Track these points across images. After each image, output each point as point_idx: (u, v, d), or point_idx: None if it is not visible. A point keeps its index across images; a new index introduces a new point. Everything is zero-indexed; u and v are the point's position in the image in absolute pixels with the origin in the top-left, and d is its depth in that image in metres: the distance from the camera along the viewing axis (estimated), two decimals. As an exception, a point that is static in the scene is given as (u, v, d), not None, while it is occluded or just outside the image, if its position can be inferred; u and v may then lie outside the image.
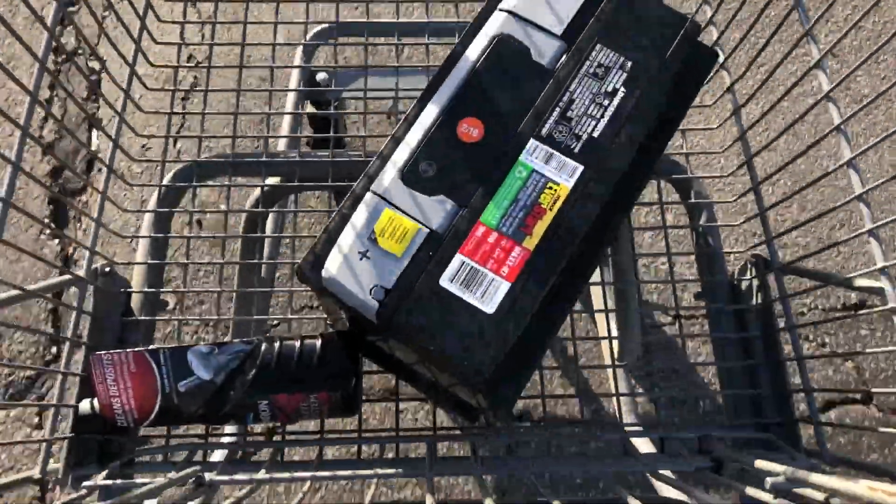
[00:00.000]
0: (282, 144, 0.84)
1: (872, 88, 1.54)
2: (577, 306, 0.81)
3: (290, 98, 0.84)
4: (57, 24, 0.58)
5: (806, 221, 0.59)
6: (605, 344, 0.72)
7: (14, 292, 0.55)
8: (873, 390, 0.54)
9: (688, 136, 0.67)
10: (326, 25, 0.90)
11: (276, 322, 0.99)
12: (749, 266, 0.69)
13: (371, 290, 0.51)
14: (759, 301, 0.67)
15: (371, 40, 0.79)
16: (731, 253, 0.70)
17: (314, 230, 1.33)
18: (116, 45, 0.68)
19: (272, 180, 0.75)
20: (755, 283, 0.68)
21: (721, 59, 0.70)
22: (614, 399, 0.98)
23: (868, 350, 0.74)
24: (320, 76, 0.94)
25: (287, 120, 0.84)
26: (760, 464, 0.54)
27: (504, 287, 0.51)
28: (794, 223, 1.45)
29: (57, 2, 0.57)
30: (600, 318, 0.71)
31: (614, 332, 0.81)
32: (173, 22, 0.78)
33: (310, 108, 0.98)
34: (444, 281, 0.51)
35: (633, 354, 0.81)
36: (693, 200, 0.72)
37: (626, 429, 0.67)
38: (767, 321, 0.67)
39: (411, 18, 0.85)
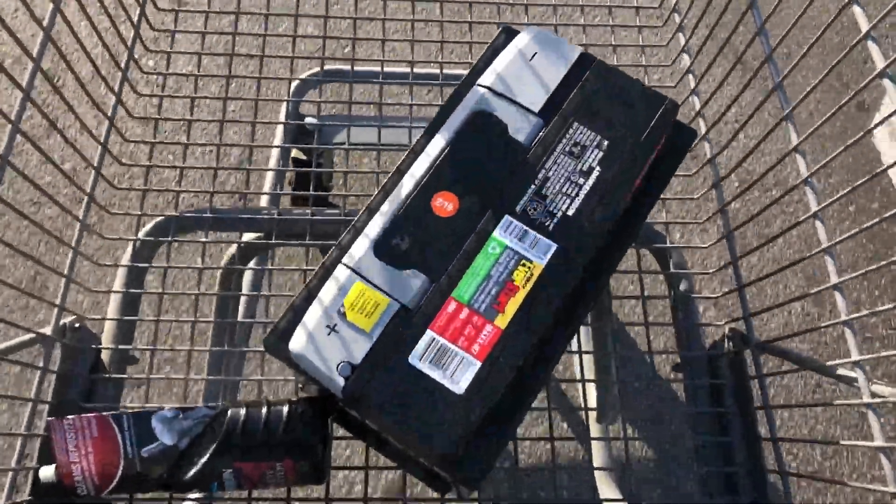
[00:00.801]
0: (263, 201, 0.84)
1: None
2: (555, 373, 0.80)
3: (273, 155, 0.83)
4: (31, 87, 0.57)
5: (784, 302, 0.59)
6: (583, 414, 0.72)
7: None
8: (850, 483, 0.53)
9: (668, 204, 0.67)
10: (312, 72, 0.90)
11: (245, 383, 0.98)
12: (727, 340, 0.68)
13: (338, 366, 0.50)
14: (735, 377, 0.67)
15: (355, 90, 0.79)
16: (708, 325, 0.69)
17: (292, 289, 1.32)
18: (93, 98, 0.68)
19: (249, 236, 0.74)
20: (731, 358, 0.67)
21: (703, 131, 0.70)
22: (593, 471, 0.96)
23: (843, 442, 0.74)
24: (309, 119, 0.94)
25: (269, 176, 0.84)
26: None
27: (474, 366, 0.50)
28: (774, 299, 1.47)
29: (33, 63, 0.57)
30: (580, 387, 0.70)
31: (591, 402, 0.80)
32: (155, 73, 0.78)
33: (294, 154, 0.98)
34: (413, 358, 0.51)
35: (612, 421, 0.80)
36: (672, 270, 0.71)
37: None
38: (743, 398, 0.66)
39: (396, 68, 0.85)
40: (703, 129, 0.70)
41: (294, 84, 0.89)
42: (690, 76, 0.73)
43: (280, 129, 0.85)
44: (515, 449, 0.65)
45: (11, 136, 0.56)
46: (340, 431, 0.65)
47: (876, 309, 0.49)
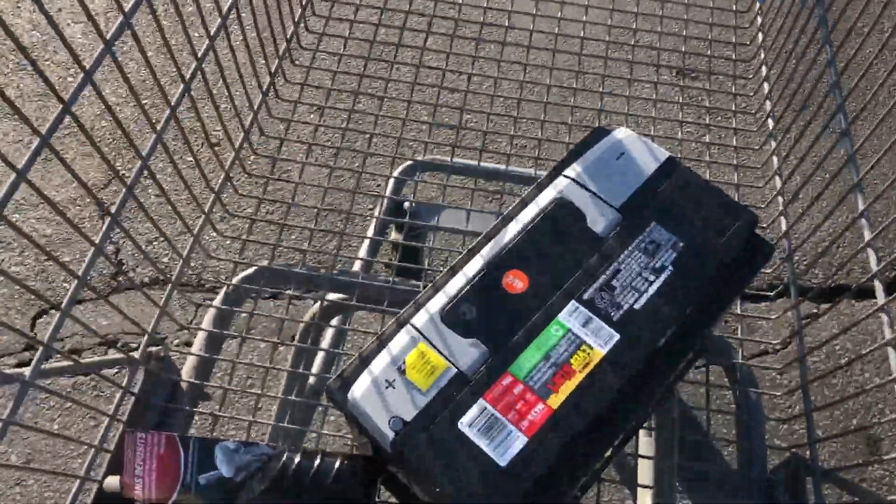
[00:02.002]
0: (356, 267, 0.88)
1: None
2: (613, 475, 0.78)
3: (371, 227, 0.88)
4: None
5: (847, 432, 0.57)
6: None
7: (66, 363, 0.58)
8: None
9: (745, 321, 0.67)
10: (413, 160, 0.96)
11: (312, 434, 1.00)
12: (790, 465, 0.66)
13: (390, 421, 0.52)
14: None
15: (450, 180, 0.84)
16: (771, 448, 0.68)
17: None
18: (215, 152, 0.74)
19: (332, 297, 0.78)
20: (791, 484, 0.65)
21: (786, 252, 0.70)
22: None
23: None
24: (406, 205, 0.99)
25: (365, 245, 0.88)
26: None
27: (521, 441, 0.51)
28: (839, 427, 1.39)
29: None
30: (640, 493, 0.69)
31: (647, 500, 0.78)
32: (276, 138, 0.85)
33: (393, 236, 1.03)
34: (462, 424, 0.52)
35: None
36: (740, 387, 0.70)
37: None
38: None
39: (492, 164, 0.89)
40: (787, 249, 0.70)
41: (399, 167, 0.95)
42: (780, 198, 0.74)
43: (379, 204, 0.90)
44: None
45: (153, 145, 0.63)
46: (387, 495, 0.66)
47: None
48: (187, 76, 0.66)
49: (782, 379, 1.37)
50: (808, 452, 0.63)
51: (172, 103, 0.64)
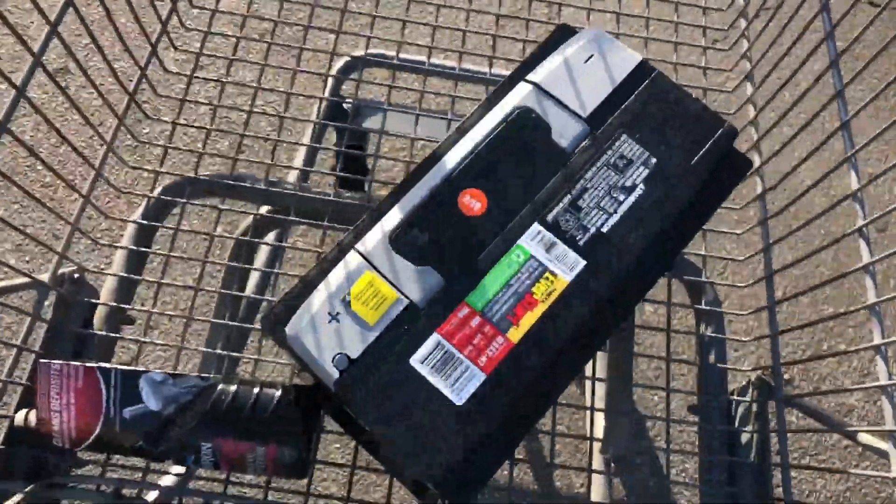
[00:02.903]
0: (291, 177, 0.81)
1: None
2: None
3: (307, 132, 0.80)
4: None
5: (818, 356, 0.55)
6: (587, 443, 0.68)
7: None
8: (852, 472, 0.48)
9: (708, 237, 0.63)
10: (353, 56, 0.87)
11: (242, 364, 0.95)
12: (751, 388, 0.64)
13: (335, 357, 0.47)
14: (755, 428, 0.62)
15: (397, 80, 0.76)
16: (734, 370, 0.65)
17: (304, 271, 1.29)
18: (129, 47, 0.65)
19: (266, 210, 0.71)
20: (754, 407, 0.63)
21: (757, 163, 0.66)
22: None
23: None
24: (347, 105, 0.91)
25: (301, 152, 0.80)
26: None
27: (478, 378, 0.47)
28: (803, 350, 1.41)
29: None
30: (586, 415, 0.66)
31: (598, 434, 0.76)
32: (196, 30, 0.75)
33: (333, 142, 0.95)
34: (414, 361, 0.47)
35: (616, 454, 0.76)
36: (704, 306, 0.67)
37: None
38: (761, 451, 0.62)
39: (443, 59, 0.82)
40: (757, 162, 0.66)
41: (337, 63, 0.86)
42: (751, 106, 0.69)
43: (315, 106, 0.82)
44: (511, 470, 0.61)
45: (30, 70, 0.54)
46: (332, 426, 0.61)
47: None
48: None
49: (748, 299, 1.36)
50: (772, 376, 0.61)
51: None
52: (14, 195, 1.47)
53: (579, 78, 0.54)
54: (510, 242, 0.50)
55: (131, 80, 0.68)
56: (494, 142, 0.52)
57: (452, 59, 0.80)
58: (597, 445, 0.75)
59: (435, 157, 0.53)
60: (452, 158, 0.52)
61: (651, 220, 0.51)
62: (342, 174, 0.73)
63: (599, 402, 0.71)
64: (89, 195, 0.64)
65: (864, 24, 0.54)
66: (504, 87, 0.56)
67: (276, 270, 0.69)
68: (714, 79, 0.74)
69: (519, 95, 0.54)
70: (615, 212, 0.51)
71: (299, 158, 0.82)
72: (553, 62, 0.55)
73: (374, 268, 0.49)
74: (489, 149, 0.52)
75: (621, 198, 0.51)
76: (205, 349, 0.66)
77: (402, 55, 0.78)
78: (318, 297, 0.49)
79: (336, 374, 0.47)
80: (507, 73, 0.78)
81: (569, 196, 0.51)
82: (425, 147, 0.79)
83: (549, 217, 0.51)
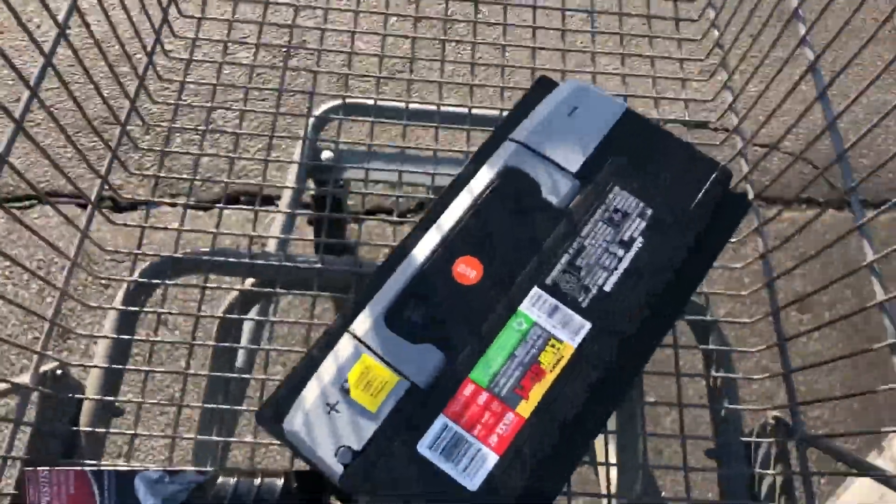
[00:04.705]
0: (271, 246, 0.78)
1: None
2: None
3: (285, 197, 0.78)
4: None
5: (836, 397, 0.53)
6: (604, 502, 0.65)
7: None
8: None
9: (709, 273, 0.61)
10: (331, 105, 0.85)
11: (238, 446, 0.92)
12: (769, 428, 0.62)
13: (337, 451, 0.45)
14: (778, 470, 0.60)
15: (376, 132, 0.74)
16: (747, 409, 0.63)
17: (295, 343, 1.26)
18: (108, 103, 0.63)
19: (251, 283, 0.68)
20: (774, 449, 0.60)
21: (750, 196, 0.64)
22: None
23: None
24: (325, 154, 0.89)
25: (278, 219, 0.78)
26: None
27: (491, 460, 0.44)
28: (823, 393, 1.39)
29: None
30: (601, 471, 0.64)
31: (614, 488, 0.73)
32: (166, 103, 0.73)
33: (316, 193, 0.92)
34: (422, 447, 0.45)
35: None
36: (711, 347, 0.65)
37: None
38: (786, 494, 0.60)
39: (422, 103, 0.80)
40: (750, 195, 0.65)
41: (311, 121, 0.84)
42: (738, 137, 0.67)
43: (293, 169, 0.80)
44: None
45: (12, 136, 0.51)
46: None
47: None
48: None
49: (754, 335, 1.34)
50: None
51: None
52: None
53: (565, 132, 0.52)
54: (511, 310, 0.48)
55: (102, 163, 0.66)
56: (484, 206, 0.50)
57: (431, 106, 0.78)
58: (614, 501, 0.73)
59: (423, 227, 0.51)
60: (442, 227, 0.50)
61: (653, 272, 0.49)
62: (326, 240, 0.71)
63: (613, 458, 0.68)
64: (66, 285, 0.61)
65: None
66: (488, 146, 0.54)
67: (268, 347, 0.66)
68: (696, 113, 0.73)
69: (504, 155, 0.52)
70: (616, 268, 0.49)
71: (277, 228, 0.80)
72: (536, 118, 0.53)
73: (371, 350, 0.47)
74: (479, 214, 0.50)
75: (620, 253, 0.49)
76: (199, 436, 0.63)
77: (380, 103, 0.76)
78: (315, 387, 0.46)
79: (340, 469, 0.44)
80: (486, 114, 0.77)
81: (566, 256, 0.49)
82: (410, 198, 0.78)
83: (549, 280, 0.48)
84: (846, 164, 0.54)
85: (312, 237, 1.11)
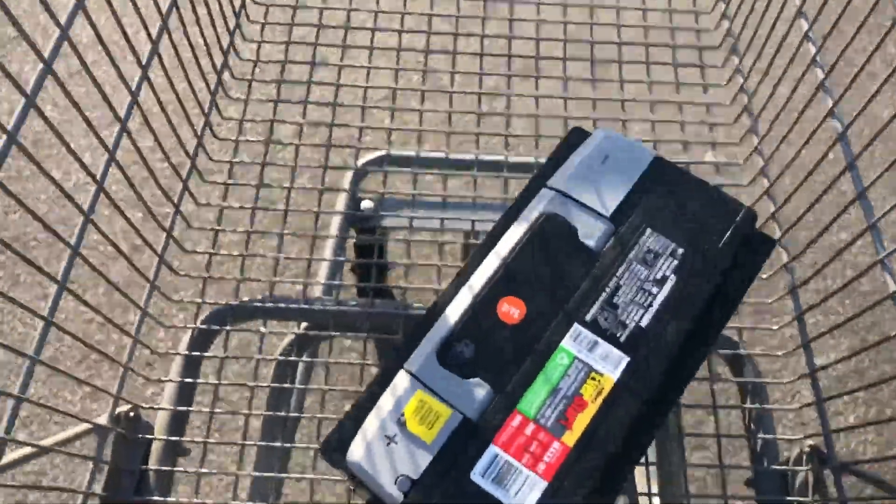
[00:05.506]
0: (317, 291, 0.83)
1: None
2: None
3: (329, 244, 0.83)
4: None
5: (871, 423, 0.55)
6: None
7: (28, 450, 0.53)
8: None
9: (740, 308, 0.64)
10: (370, 157, 0.91)
11: (295, 480, 0.96)
12: (804, 457, 0.64)
13: (397, 480, 0.48)
14: (815, 498, 0.62)
15: (419, 178, 0.79)
16: (783, 439, 0.65)
17: (348, 382, 1.31)
18: (161, 187, 0.68)
19: (305, 327, 0.73)
20: (811, 477, 0.63)
21: (777, 234, 0.68)
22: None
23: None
24: (365, 204, 0.94)
25: (324, 266, 0.83)
26: None
27: (540, 486, 0.48)
28: (858, 419, 1.40)
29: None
30: (643, 501, 0.67)
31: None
32: (224, 161, 0.79)
33: (353, 253, 0.97)
34: (475, 475, 0.48)
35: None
36: (745, 379, 0.68)
37: None
38: (824, 521, 0.62)
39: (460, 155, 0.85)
40: (777, 233, 0.68)
41: (354, 173, 0.90)
42: (764, 178, 0.71)
43: (336, 218, 0.85)
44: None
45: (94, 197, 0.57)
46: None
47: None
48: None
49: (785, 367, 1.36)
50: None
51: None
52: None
53: (599, 179, 0.56)
54: (553, 346, 0.51)
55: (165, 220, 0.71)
56: (525, 249, 0.54)
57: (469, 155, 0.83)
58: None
59: (468, 270, 0.55)
60: (487, 269, 0.54)
61: (686, 308, 0.52)
62: (374, 285, 0.75)
63: (655, 487, 0.71)
64: (137, 333, 0.66)
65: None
66: (526, 193, 0.58)
67: (324, 387, 0.70)
68: (721, 155, 0.76)
69: (542, 202, 0.56)
70: (651, 305, 0.52)
71: (323, 275, 0.85)
72: (570, 166, 0.57)
73: (425, 385, 0.51)
74: (521, 257, 0.54)
75: (654, 290, 0.53)
76: (259, 473, 0.67)
77: (421, 154, 0.81)
78: (374, 421, 0.50)
79: (400, 497, 0.48)
80: (522, 160, 0.81)
81: (604, 294, 0.53)
82: (450, 244, 0.82)
83: (588, 317, 0.52)
84: (867, 203, 0.57)
85: (354, 283, 1.15)
